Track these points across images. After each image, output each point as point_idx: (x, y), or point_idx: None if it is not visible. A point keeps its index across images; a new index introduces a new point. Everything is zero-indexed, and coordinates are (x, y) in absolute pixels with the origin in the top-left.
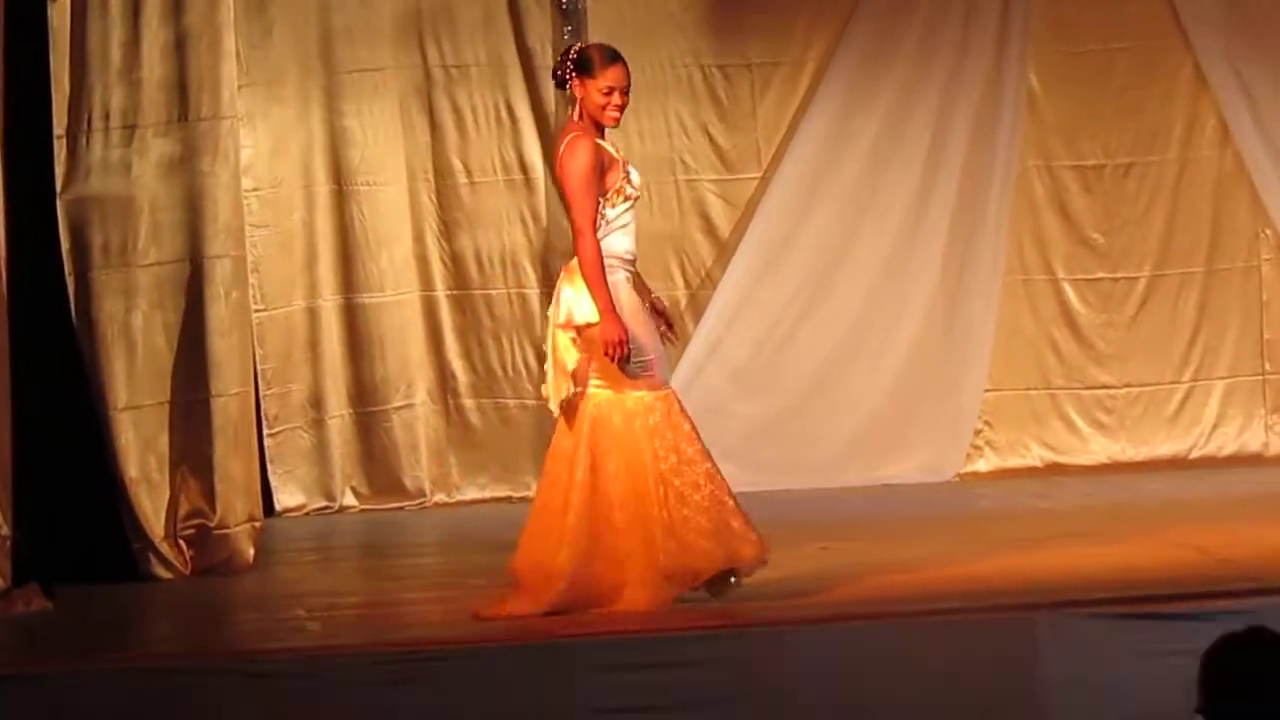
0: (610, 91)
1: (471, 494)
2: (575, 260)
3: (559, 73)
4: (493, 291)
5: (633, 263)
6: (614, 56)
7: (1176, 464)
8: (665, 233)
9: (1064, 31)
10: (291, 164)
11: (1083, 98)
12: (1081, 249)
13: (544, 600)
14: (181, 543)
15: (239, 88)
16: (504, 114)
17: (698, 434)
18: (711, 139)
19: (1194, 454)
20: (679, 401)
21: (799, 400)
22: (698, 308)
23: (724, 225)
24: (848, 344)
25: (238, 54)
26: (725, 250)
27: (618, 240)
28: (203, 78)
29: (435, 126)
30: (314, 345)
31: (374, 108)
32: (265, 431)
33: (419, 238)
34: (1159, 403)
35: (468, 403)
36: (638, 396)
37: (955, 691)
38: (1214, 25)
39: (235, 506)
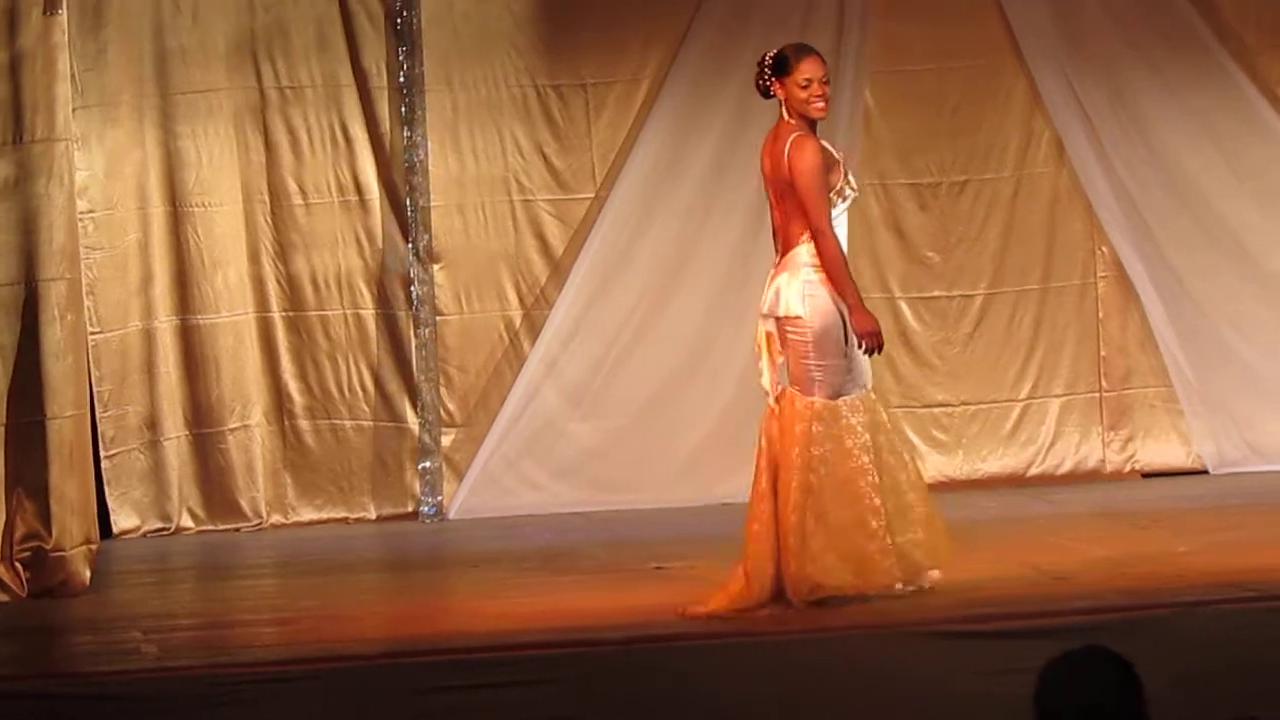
0: (809, 83)
1: (308, 515)
2: (788, 256)
3: (760, 83)
4: (328, 313)
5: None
6: (807, 50)
7: (1013, 481)
8: (500, 252)
9: (899, 50)
10: (126, 186)
11: (918, 116)
12: (917, 267)
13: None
14: (17, 565)
15: (74, 110)
16: (339, 135)
17: (867, 451)
18: (546, 159)
19: (1031, 471)
20: (866, 409)
21: (635, 419)
22: (533, 327)
23: (559, 245)
24: (685, 362)
25: (72, 76)
26: (560, 270)
27: None
28: (37, 99)
29: (270, 147)
30: (150, 367)
31: (209, 129)
32: (102, 453)
33: (254, 259)
34: (995, 420)
35: (304, 424)
36: (810, 400)
37: (794, 711)
38: (1049, 43)
39: (71, 529)
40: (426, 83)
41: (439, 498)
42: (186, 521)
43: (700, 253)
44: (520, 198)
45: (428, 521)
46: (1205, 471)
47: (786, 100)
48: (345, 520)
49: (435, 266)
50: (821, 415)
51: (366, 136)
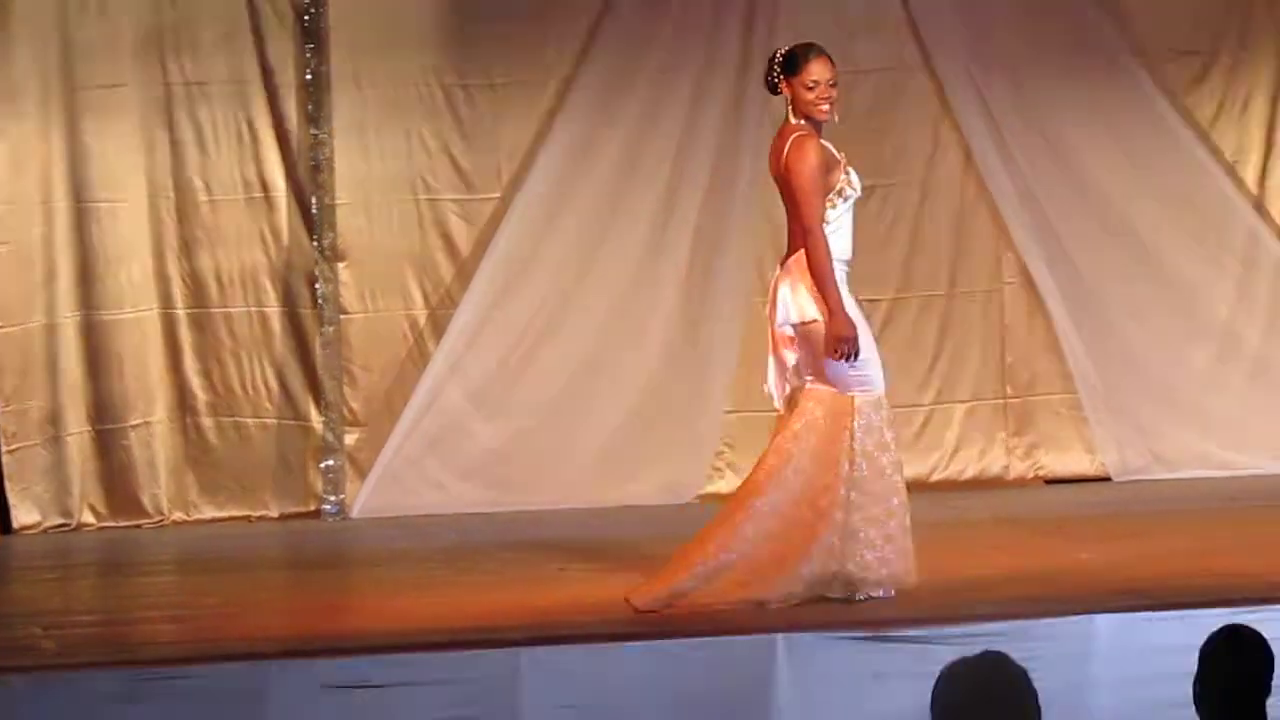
0: (815, 85)
1: (209, 513)
2: (793, 259)
3: (769, 79)
4: (232, 310)
5: (849, 263)
6: (816, 51)
7: (918, 486)
8: (405, 251)
9: None
10: (31, 181)
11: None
12: None
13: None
14: None
15: None
16: (245, 132)
17: (895, 445)
18: (453, 158)
19: (935, 476)
20: (887, 408)
21: (540, 419)
22: (438, 327)
23: (465, 244)
24: (589, 363)
25: None
26: (466, 269)
27: (836, 241)
28: None
29: (176, 144)
30: (53, 362)
31: (115, 124)
32: (3, 448)
33: (159, 255)
34: (900, 425)
35: (207, 421)
36: (848, 397)
37: (693, 714)
38: (958, 50)
39: None
40: (334, 81)
41: (341, 496)
42: (88, 517)
43: (606, 254)
44: (426, 197)
45: (330, 520)
46: (1108, 479)
47: (793, 99)
48: (247, 518)
49: (340, 265)
50: (862, 410)
51: (273, 134)
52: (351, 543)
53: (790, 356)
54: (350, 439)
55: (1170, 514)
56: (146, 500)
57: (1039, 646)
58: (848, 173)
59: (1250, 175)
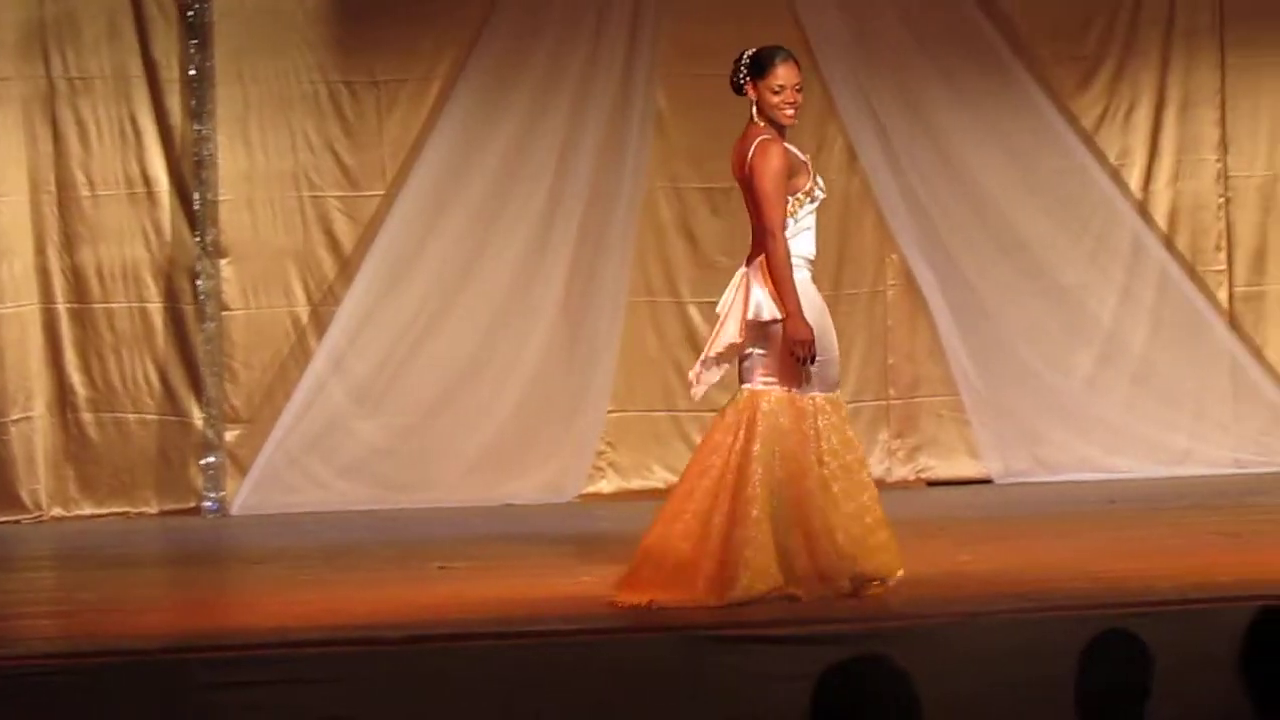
0: (781, 89)
1: (89, 509)
2: (761, 259)
3: (734, 79)
4: (114, 305)
5: (813, 262)
6: (784, 55)
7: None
8: (288, 248)
9: (692, 54)
10: None
11: (711, 120)
12: (707, 272)
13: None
14: None
15: None
16: (128, 127)
17: (858, 442)
18: (336, 155)
19: None
20: (845, 407)
21: (422, 418)
22: (321, 324)
23: (348, 242)
24: (472, 361)
25: None
26: (349, 267)
27: (802, 242)
28: None
29: (58, 138)
30: None
31: None
32: None
33: (40, 250)
34: None
35: (87, 417)
36: (810, 397)
37: (575, 711)
38: (842, 49)
39: None
40: (217, 76)
41: (222, 493)
42: None
43: (489, 253)
44: (310, 194)
45: (210, 517)
46: (990, 481)
47: (758, 102)
48: (127, 514)
49: (223, 261)
50: (824, 409)
51: (156, 129)
52: (231, 540)
53: (730, 357)
54: (231, 436)
55: (1052, 517)
56: (25, 495)
57: (920, 649)
58: (814, 176)
59: (1135, 180)
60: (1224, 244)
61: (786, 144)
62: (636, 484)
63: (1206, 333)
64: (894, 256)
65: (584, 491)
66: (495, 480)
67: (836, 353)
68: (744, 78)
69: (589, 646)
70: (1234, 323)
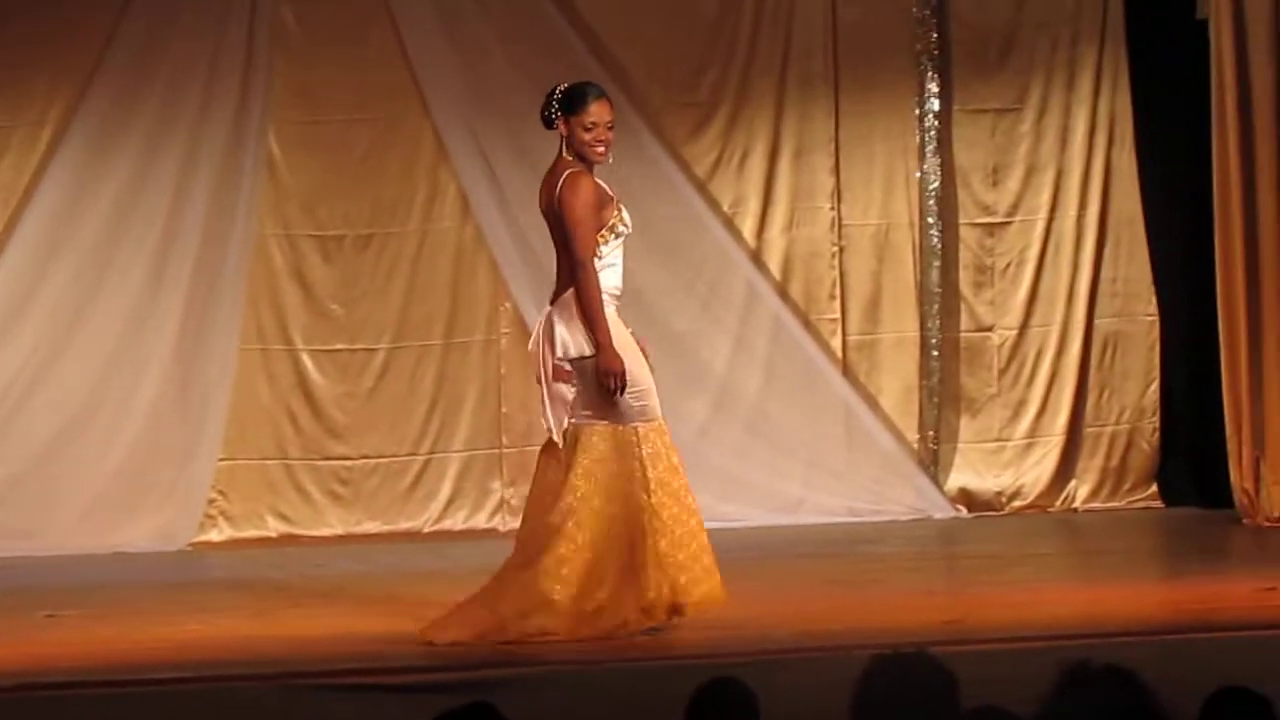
0: (593, 127)
1: None
2: (567, 294)
3: (545, 113)
4: None
5: (619, 296)
6: (597, 93)
7: (413, 537)
8: None
9: (306, 99)
10: None
11: (324, 166)
12: (320, 319)
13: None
14: None
15: None
16: None
17: (683, 468)
18: None
19: (429, 528)
20: (668, 434)
21: (31, 466)
22: None
23: None
24: (84, 408)
25: None
26: None
27: (609, 276)
28: None
29: None
30: None
31: None
32: None
33: None
34: (396, 475)
35: None
36: (631, 428)
37: None
38: (454, 96)
39: None
40: None
41: None
42: None
43: (101, 299)
44: None
45: None
46: None
47: (568, 137)
48: None
49: None
50: (648, 438)
51: None
52: None
53: (567, 391)
54: None
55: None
56: None
57: (514, 694)
58: (620, 210)
59: (749, 227)
60: (838, 292)
61: (596, 179)
62: (249, 533)
63: (820, 381)
64: (507, 304)
65: (195, 540)
66: (107, 528)
67: (652, 384)
68: (555, 113)
69: (195, 696)
70: (847, 371)
